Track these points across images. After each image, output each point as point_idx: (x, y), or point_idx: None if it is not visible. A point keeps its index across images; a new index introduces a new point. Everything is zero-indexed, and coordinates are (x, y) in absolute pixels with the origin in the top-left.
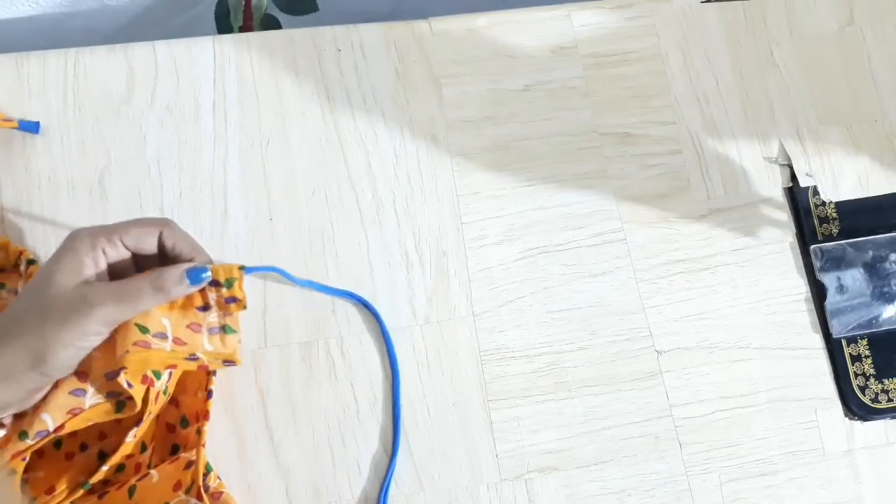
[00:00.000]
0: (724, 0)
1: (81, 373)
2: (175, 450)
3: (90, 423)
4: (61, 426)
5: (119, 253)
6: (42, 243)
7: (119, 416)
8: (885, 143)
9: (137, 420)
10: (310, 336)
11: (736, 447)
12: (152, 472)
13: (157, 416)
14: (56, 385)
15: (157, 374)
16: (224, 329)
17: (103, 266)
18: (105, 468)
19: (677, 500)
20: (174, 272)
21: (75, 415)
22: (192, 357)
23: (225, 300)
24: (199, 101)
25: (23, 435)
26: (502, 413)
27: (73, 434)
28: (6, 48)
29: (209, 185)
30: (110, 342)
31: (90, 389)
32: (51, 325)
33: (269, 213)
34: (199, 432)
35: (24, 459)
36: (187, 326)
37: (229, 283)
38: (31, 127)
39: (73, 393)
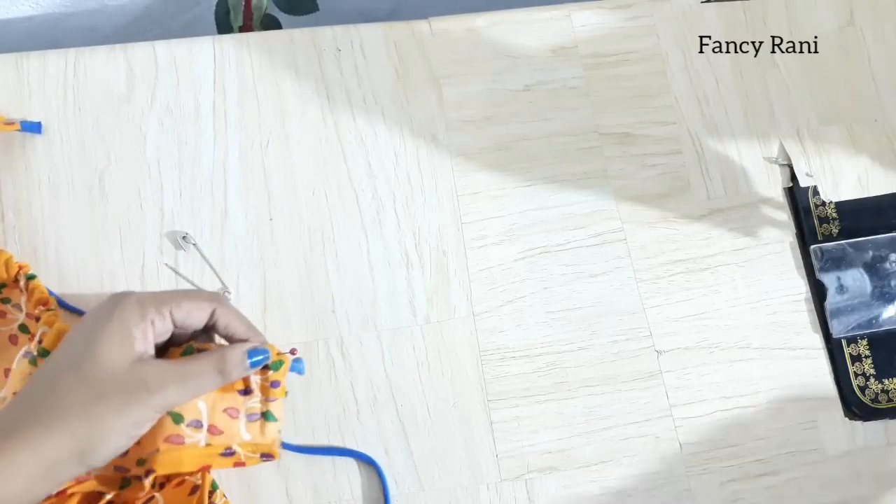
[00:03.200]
0: (724, 0)
1: None
2: None
3: (92, 490)
4: (64, 491)
5: (165, 326)
6: (42, 244)
7: (121, 492)
8: (885, 143)
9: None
10: (310, 336)
11: (736, 447)
12: (157, 496)
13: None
14: None
15: None
16: (265, 416)
17: (152, 340)
18: (109, 496)
19: (677, 500)
20: (236, 354)
21: (80, 482)
22: (228, 452)
23: (270, 384)
24: (199, 101)
25: None
26: (502, 413)
27: None
28: (6, 48)
29: (209, 185)
30: None
31: None
32: (104, 411)
33: (269, 213)
34: None
35: None
36: (224, 411)
37: (276, 366)
38: (34, 127)
39: None
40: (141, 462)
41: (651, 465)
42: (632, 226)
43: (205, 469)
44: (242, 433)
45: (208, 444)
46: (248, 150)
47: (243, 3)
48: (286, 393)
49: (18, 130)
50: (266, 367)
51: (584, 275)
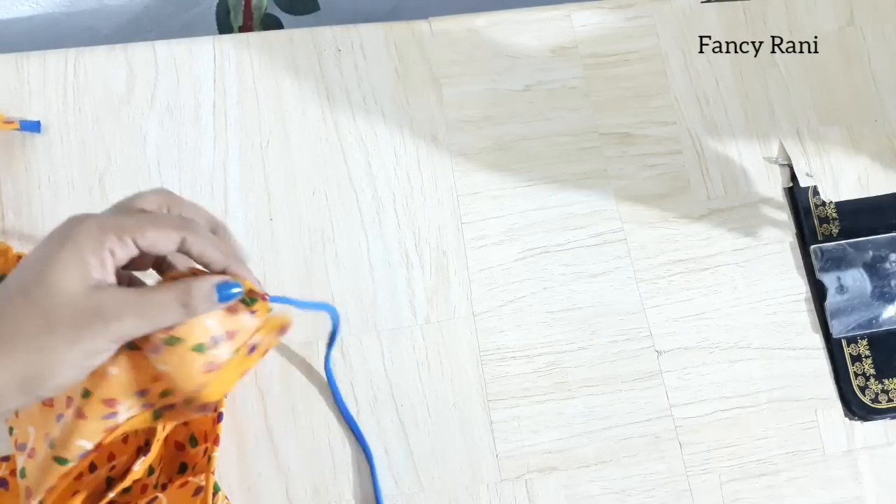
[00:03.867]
0: (724, 0)
1: (109, 400)
2: (183, 468)
3: (128, 431)
4: (100, 444)
5: (129, 253)
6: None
7: (156, 423)
8: (885, 143)
9: (145, 443)
10: (310, 336)
11: (736, 447)
12: (160, 496)
13: (166, 436)
14: (82, 415)
15: None
16: (254, 303)
17: (111, 267)
18: (112, 494)
19: (677, 500)
20: (204, 286)
21: (111, 431)
22: (253, 349)
23: (249, 313)
24: (199, 101)
25: (61, 461)
26: (502, 413)
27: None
28: (6, 48)
29: (209, 185)
30: (138, 358)
31: (121, 408)
32: (55, 342)
33: (269, 213)
34: (209, 458)
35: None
36: (227, 311)
37: (251, 302)
38: (33, 126)
39: (105, 418)
40: (166, 393)
41: (651, 465)
42: (632, 226)
43: (246, 371)
44: (249, 322)
45: (237, 351)
46: (248, 150)
47: (243, 2)
48: (270, 310)
49: (17, 129)
50: (245, 303)
51: (584, 275)
